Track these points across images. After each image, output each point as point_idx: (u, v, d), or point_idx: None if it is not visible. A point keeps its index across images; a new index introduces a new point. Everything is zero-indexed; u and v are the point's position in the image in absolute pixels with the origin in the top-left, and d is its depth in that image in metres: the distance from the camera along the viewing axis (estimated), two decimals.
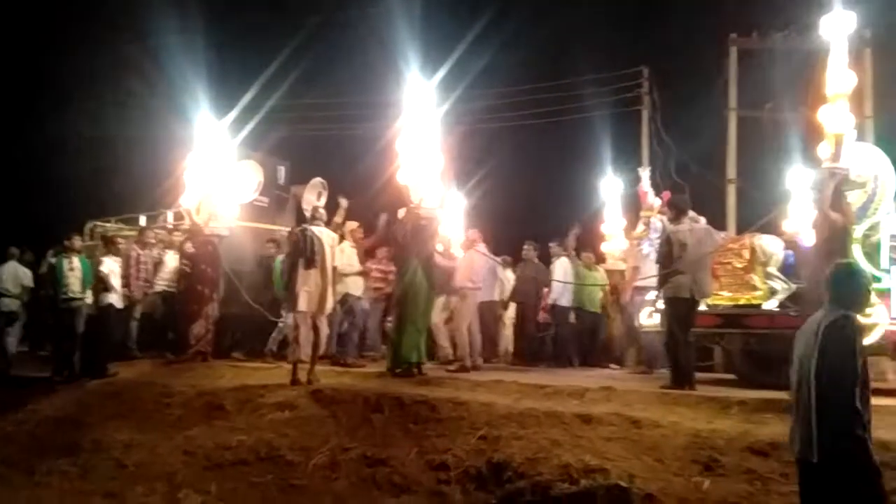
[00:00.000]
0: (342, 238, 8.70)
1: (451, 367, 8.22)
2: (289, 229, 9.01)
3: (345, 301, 8.67)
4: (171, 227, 10.36)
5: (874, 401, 5.63)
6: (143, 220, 10.77)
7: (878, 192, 6.65)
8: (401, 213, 7.94)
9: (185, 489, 5.11)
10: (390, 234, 8.33)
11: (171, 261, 9.39)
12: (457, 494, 4.71)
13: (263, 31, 17.39)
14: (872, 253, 6.54)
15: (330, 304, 7.30)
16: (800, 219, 7.58)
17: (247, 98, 11.56)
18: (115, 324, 8.67)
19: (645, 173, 8.78)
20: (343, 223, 8.69)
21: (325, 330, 7.32)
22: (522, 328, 9.81)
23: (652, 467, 4.70)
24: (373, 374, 7.47)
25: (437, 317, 8.59)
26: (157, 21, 15.45)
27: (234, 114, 9.86)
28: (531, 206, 15.46)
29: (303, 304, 7.09)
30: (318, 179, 8.60)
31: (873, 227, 6.59)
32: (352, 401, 6.04)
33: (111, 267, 8.44)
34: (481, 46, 13.08)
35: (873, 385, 7.43)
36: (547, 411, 5.57)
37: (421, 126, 7.60)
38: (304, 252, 7.16)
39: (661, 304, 7.19)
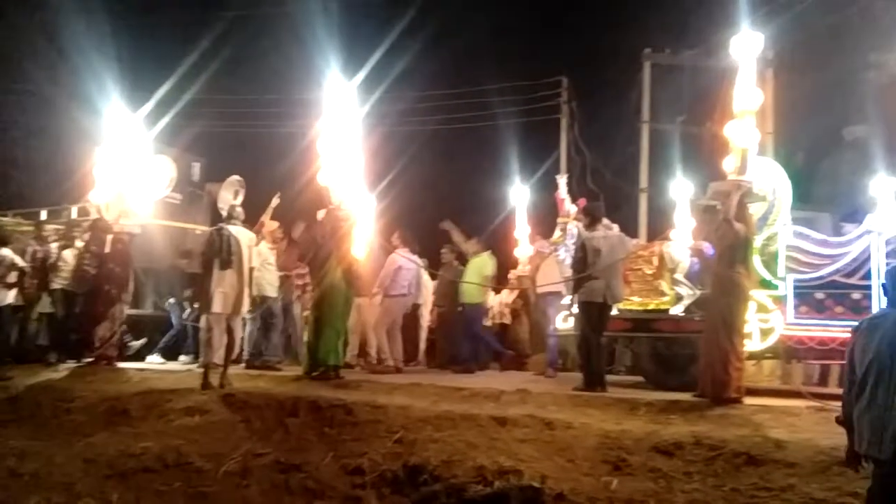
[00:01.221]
0: (260, 238, 8.52)
1: (378, 368, 8.20)
2: (201, 228, 8.78)
3: (262, 302, 8.50)
4: (74, 222, 9.85)
5: (769, 402, 6.01)
6: (43, 215, 10.20)
7: (776, 204, 7.06)
8: (320, 214, 7.84)
9: (85, 499, 4.86)
10: (308, 239, 8.22)
11: (71, 258, 8.91)
12: (372, 499, 4.68)
13: (180, 23, 16.82)
14: (770, 262, 6.93)
15: (246, 305, 7.12)
16: (689, 228, 7.96)
17: (161, 91, 11.16)
18: (8, 323, 8.16)
19: (562, 180, 8.99)
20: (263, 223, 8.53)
21: (239, 333, 7.13)
22: (444, 331, 9.85)
23: (564, 467, 4.81)
24: (289, 378, 7.34)
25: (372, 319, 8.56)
26: (64, 5, 14.70)
27: (147, 107, 9.49)
28: (449, 211, 15.57)
29: (217, 305, 6.88)
30: (235, 177, 8.34)
31: (771, 238, 6.99)
32: (266, 405, 5.90)
33: (5, 263, 7.95)
34: (402, 49, 13.11)
35: (768, 387, 7.86)
36: (463, 414, 5.61)
37: (341, 127, 7.53)
38: (220, 252, 6.96)
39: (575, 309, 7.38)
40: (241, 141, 15.51)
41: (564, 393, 6.52)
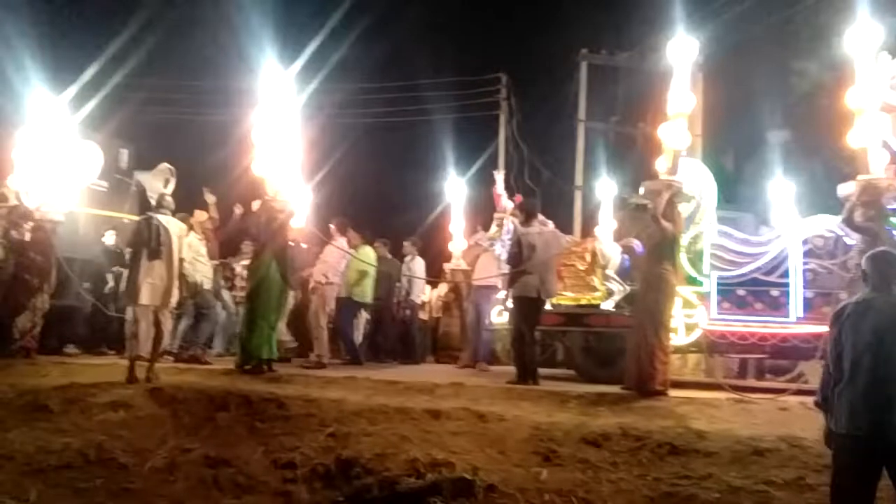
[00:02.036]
0: (190, 229, 8.32)
1: (308, 363, 8.11)
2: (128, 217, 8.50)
3: (197, 295, 8.30)
4: None
5: (692, 394, 6.24)
6: None
7: (702, 204, 7.33)
8: (255, 205, 7.71)
9: (1, 497, 4.65)
10: (243, 227, 8.06)
11: None
12: (303, 493, 4.62)
13: (109, 4, 16.18)
14: (696, 260, 7.20)
15: (175, 297, 6.92)
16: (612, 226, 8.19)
17: (87, 74, 10.71)
18: None
19: (500, 176, 9.10)
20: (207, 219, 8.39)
21: (167, 325, 6.94)
22: (378, 325, 9.84)
23: (495, 459, 4.87)
24: (219, 372, 7.18)
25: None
26: None
27: (72, 90, 9.09)
28: (385, 203, 15.55)
29: (145, 297, 6.68)
30: (165, 165, 8.09)
31: (697, 237, 7.26)
32: (194, 399, 5.76)
33: None
34: (340, 39, 12.98)
35: (692, 380, 8.13)
36: (397, 407, 5.62)
37: (278, 117, 7.40)
38: (149, 242, 6.75)
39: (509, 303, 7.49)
40: (172, 128, 15.03)
41: (498, 386, 6.61)
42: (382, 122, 16.09)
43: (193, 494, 4.63)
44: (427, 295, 11.19)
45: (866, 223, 6.19)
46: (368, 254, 9.19)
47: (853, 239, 6.52)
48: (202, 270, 8.35)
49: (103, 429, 5.35)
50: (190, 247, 8.30)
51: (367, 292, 9.00)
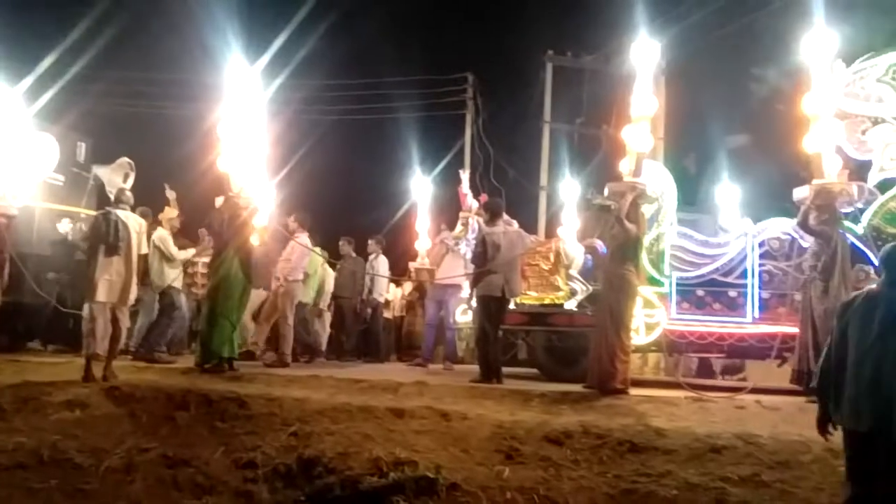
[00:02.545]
0: (159, 225, 8.21)
1: (268, 361, 8.03)
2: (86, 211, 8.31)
3: (165, 294, 8.16)
4: None
5: (652, 392, 6.34)
6: None
7: (664, 206, 7.46)
8: (218, 201, 7.60)
9: None
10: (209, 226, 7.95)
11: None
12: (264, 493, 4.58)
13: None
14: (657, 260, 7.33)
15: (133, 294, 6.79)
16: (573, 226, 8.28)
17: (44, 65, 10.43)
18: None
19: (465, 175, 9.12)
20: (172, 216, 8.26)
21: (125, 323, 6.79)
22: (342, 323, 9.79)
23: (458, 458, 4.89)
24: (179, 370, 7.07)
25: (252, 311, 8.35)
26: None
27: (28, 81, 8.83)
28: (350, 201, 15.48)
29: (102, 294, 6.53)
30: (124, 159, 7.97)
31: (659, 238, 7.39)
32: (153, 398, 5.66)
33: None
34: (307, 35, 12.86)
35: (652, 378, 8.23)
36: (361, 406, 5.60)
37: (243, 112, 7.31)
38: (106, 237, 6.60)
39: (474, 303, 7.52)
40: (132, 122, 14.72)
41: (461, 385, 6.62)
42: (348, 120, 16.00)
43: (151, 495, 4.56)
44: (391, 293, 11.19)
45: (820, 226, 6.37)
46: (315, 257, 9.17)
47: (807, 242, 6.69)
48: (172, 269, 8.22)
49: (58, 428, 5.23)
50: (163, 241, 8.20)
51: (309, 293, 9.03)
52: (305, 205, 9.32)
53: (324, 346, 9.57)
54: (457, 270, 8.41)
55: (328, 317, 9.89)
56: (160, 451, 4.90)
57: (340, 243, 9.73)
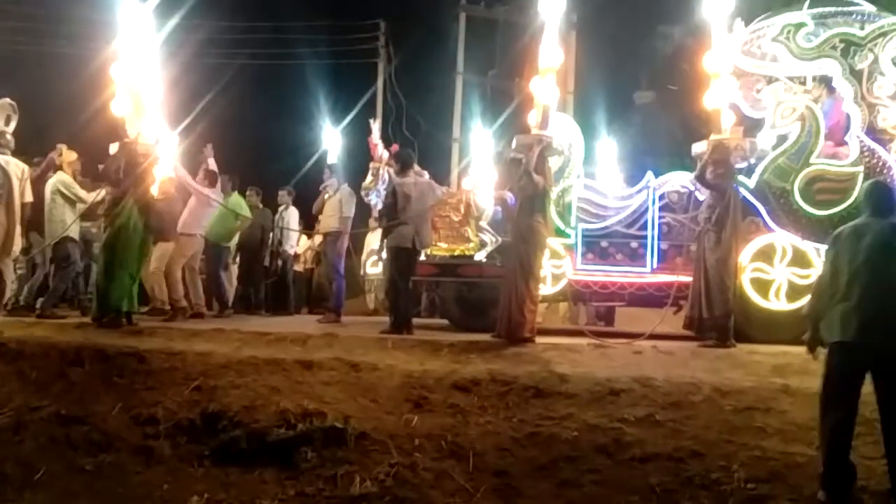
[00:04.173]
0: (59, 169, 7.68)
1: (166, 316, 7.77)
2: None
3: (60, 246, 7.68)
4: None
5: (558, 341, 6.55)
6: None
7: (571, 158, 7.60)
8: (113, 147, 7.16)
9: None
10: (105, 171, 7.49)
11: None
12: (165, 449, 4.46)
13: None
14: (564, 212, 7.50)
15: (17, 245, 6.36)
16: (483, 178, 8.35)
17: None
18: None
19: (376, 125, 8.94)
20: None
21: (9, 275, 6.37)
22: (248, 276, 9.55)
23: (367, 408, 4.91)
24: (72, 325, 6.72)
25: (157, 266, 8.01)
26: None
27: None
28: (258, 151, 14.95)
29: None
30: (6, 101, 7.32)
31: (566, 190, 7.54)
32: (42, 354, 5.35)
33: None
34: None
35: (558, 327, 8.49)
36: (267, 359, 5.50)
37: (137, 53, 6.86)
38: None
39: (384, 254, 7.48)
40: (15, 61, 13.53)
41: (371, 336, 6.62)
42: (255, 65, 15.34)
43: (44, 454, 4.36)
44: (301, 246, 10.99)
45: (716, 180, 6.66)
46: (240, 202, 8.86)
47: (703, 195, 6.99)
48: (69, 217, 7.71)
49: None
50: (66, 186, 7.69)
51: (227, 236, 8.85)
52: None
53: (231, 300, 9.33)
54: (333, 218, 8.33)
55: (235, 270, 9.62)
56: (52, 409, 4.68)
57: (247, 194, 9.43)
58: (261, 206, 9.60)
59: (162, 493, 4.13)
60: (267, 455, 4.39)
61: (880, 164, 7.08)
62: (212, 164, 8.46)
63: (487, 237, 7.76)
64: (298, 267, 11.15)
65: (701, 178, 6.78)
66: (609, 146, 10.15)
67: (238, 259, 9.53)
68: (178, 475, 4.30)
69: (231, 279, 9.55)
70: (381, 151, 8.37)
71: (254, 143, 15.30)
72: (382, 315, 8.82)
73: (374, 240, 10.87)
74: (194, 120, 9.45)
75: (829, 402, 3.83)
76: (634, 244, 7.36)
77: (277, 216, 9.92)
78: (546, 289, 7.22)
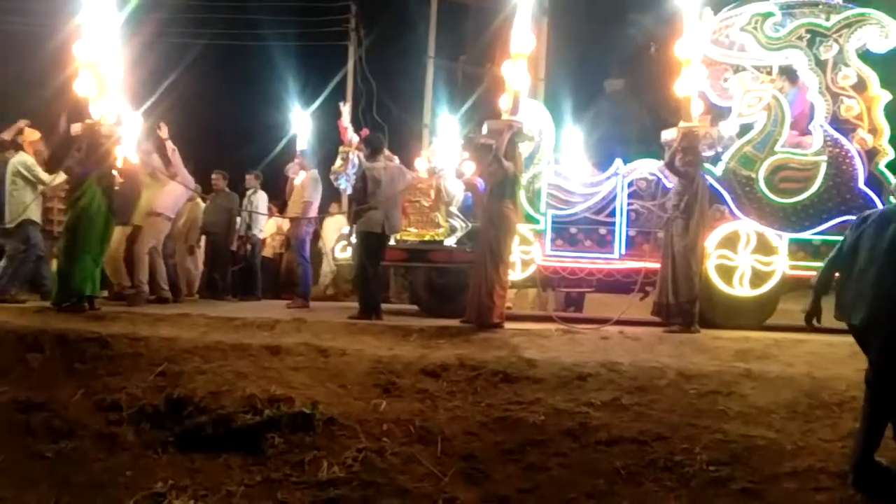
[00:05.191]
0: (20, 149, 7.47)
1: (129, 297, 7.65)
2: None
3: (20, 229, 7.47)
4: None
5: (526, 326, 6.58)
6: None
7: (541, 145, 7.60)
8: (75, 128, 6.99)
9: None
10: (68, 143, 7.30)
11: None
12: (129, 435, 4.39)
13: None
14: (534, 198, 7.51)
15: None
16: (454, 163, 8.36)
17: None
18: None
19: (346, 108, 8.83)
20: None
21: None
22: (215, 260, 9.41)
23: (336, 393, 4.89)
24: (32, 310, 6.57)
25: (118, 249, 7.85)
26: None
27: None
28: (225, 134, 14.70)
29: None
30: None
31: (536, 176, 7.55)
32: (0, 340, 5.24)
33: None
34: None
35: (527, 313, 8.53)
36: (234, 344, 5.44)
37: (99, 31, 6.68)
38: None
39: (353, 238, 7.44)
40: None
41: (340, 321, 6.59)
42: (221, 46, 15.02)
43: (2, 441, 4.27)
44: (267, 230, 10.86)
45: (685, 167, 6.73)
46: None
47: (671, 182, 7.06)
48: (29, 199, 7.51)
49: None
50: (27, 167, 7.49)
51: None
52: (177, 137, 8.72)
53: (196, 285, 9.19)
54: (298, 203, 8.27)
55: (201, 254, 9.48)
56: (10, 395, 4.58)
57: (213, 177, 9.27)
58: (227, 189, 9.46)
59: (125, 479, 4.06)
60: (233, 441, 4.35)
61: (843, 153, 7.22)
62: (170, 145, 8.26)
63: (457, 223, 7.75)
64: (266, 252, 11.02)
65: (670, 165, 6.84)
66: (580, 133, 10.19)
67: (200, 242, 9.39)
68: (141, 462, 4.24)
69: (197, 263, 9.41)
70: (350, 135, 8.28)
71: (220, 126, 15.06)
72: (342, 301, 8.76)
73: (330, 225, 10.85)
74: (158, 101, 9.26)
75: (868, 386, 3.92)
76: (603, 230, 7.41)
77: (246, 200, 9.78)
78: (515, 274, 7.24)
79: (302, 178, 8.51)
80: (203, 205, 9.30)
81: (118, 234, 7.65)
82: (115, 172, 7.15)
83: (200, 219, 9.19)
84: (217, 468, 4.19)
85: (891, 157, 7.24)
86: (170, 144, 8.15)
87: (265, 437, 4.34)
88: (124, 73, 7.09)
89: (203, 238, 9.35)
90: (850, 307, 3.87)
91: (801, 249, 7.16)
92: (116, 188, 7.15)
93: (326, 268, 11.11)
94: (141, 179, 8.01)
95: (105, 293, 7.86)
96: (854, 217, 4.22)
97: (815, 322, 4.10)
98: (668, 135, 6.99)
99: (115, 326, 5.90)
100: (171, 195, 8.12)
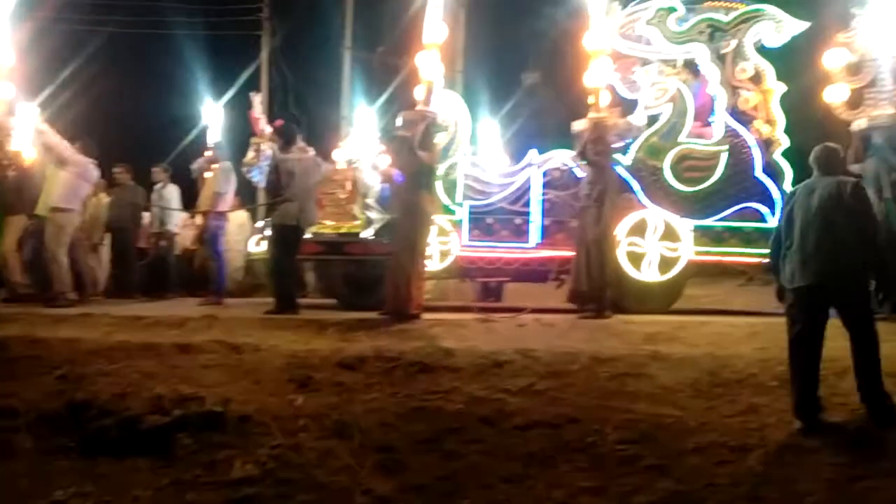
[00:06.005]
0: None
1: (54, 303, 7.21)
2: None
3: None
4: None
5: (444, 316, 6.61)
6: None
7: (457, 136, 7.65)
8: None
9: None
10: None
11: None
12: (27, 443, 4.14)
13: None
14: (451, 189, 7.55)
15: None
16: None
17: None
18: None
19: (257, 99, 8.61)
20: None
21: None
22: (121, 257, 9.02)
23: (249, 390, 4.77)
24: None
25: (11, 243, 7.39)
26: None
27: None
28: (128, 125, 14.09)
29: None
30: None
31: (452, 167, 7.59)
32: None
33: None
34: None
35: (445, 303, 8.55)
36: (141, 343, 5.24)
37: None
38: None
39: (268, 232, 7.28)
40: None
41: (255, 317, 6.45)
42: (127, 34, 14.37)
43: None
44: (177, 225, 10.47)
45: (595, 157, 6.90)
46: None
47: (583, 172, 7.24)
48: None
49: None
50: None
51: None
52: (78, 129, 8.30)
53: (102, 283, 8.78)
54: (208, 196, 8.08)
55: (105, 251, 9.05)
56: None
57: (116, 171, 8.87)
58: (132, 182, 9.06)
59: (21, 488, 3.84)
60: (140, 444, 4.16)
61: (742, 143, 7.57)
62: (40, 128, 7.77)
63: (375, 214, 7.70)
64: (177, 251, 10.62)
65: (582, 156, 7.00)
66: (497, 124, 10.28)
67: (109, 240, 8.98)
68: (40, 469, 4.00)
69: (100, 261, 8.99)
70: (263, 126, 8.09)
71: (126, 118, 14.41)
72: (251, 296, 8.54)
73: (232, 220, 10.57)
74: (57, 90, 8.77)
75: (798, 342, 4.23)
76: (519, 220, 7.53)
77: (155, 195, 9.40)
78: (433, 265, 7.26)
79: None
80: (106, 200, 8.89)
81: (13, 227, 7.21)
82: (5, 164, 6.73)
83: (105, 215, 8.77)
84: (123, 472, 4.01)
85: (785, 146, 7.65)
86: (40, 127, 7.62)
87: (174, 439, 4.18)
88: (17, 59, 6.67)
89: (109, 235, 8.93)
90: (798, 272, 4.18)
91: (705, 236, 7.48)
92: (9, 180, 6.74)
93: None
94: (38, 171, 7.56)
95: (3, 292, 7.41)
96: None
97: (784, 299, 4.39)
98: (578, 126, 7.16)
99: (10, 328, 5.58)
100: (66, 186, 7.64)
